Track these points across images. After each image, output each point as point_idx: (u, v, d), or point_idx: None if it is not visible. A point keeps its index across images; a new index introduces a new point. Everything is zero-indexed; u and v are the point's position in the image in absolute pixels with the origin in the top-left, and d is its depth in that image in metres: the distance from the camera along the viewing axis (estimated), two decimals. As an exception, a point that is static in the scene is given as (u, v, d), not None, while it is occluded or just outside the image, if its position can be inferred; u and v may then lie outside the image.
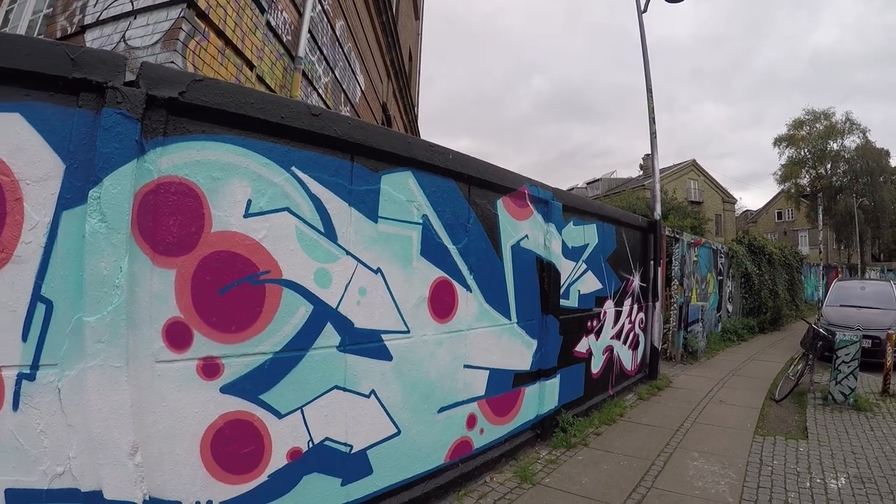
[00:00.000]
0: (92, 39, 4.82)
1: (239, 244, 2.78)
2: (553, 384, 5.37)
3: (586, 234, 6.18)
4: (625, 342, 7.36)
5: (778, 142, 40.57)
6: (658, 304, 8.32)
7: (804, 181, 41.23)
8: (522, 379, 4.99)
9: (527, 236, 4.99)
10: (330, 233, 3.22)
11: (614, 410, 6.39)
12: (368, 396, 3.41)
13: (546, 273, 5.21)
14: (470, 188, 4.35)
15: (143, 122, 2.38)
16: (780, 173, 41.23)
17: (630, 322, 7.55)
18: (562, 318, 5.49)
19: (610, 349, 6.84)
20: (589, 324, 6.22)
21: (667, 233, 9.39)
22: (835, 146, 39.21)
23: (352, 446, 3.30)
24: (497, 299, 4.59)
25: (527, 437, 5.09)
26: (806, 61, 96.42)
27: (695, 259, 11.02)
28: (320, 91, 7.65)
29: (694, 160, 41.86)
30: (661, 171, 40.07)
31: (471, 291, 4.31)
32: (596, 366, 6.45)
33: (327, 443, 3.16)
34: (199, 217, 2.65)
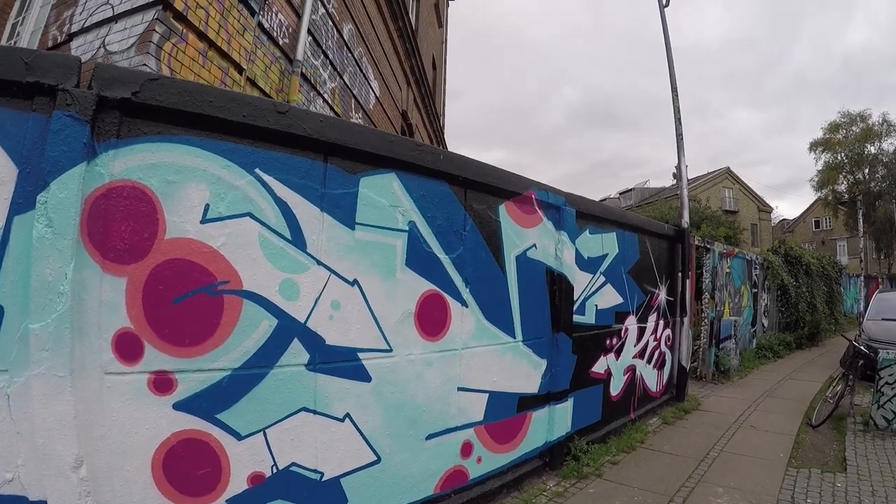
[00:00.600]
0: (77, 46, 4.67)
1: (195, 252, 2.57)
2: (565, 408, 4.86)
3: (605, 244, 5.67)
4: (649, 361, 6.78)
5: (814, 146, 38.90)
6: (686, 320, 7.71)
7: (842, 187, 39.40)
8: (529, 402, 4.50)
9: (535, 245, 4.53)
10: (298, 240, 2.91)
11: (634, 436, 5.82)
12: (342, 420, 3.09)
13: (557, 286, 4.73)
14: (466, 192, 3.93)
15: (94, 125, 2.28)
16: (816, 179, 39.49)
17: (655, 339, 6.97)
18: (575, 336, 4.99)
19: (632, 369, 6.28)
20: (608, 342, 5.69)
21: (696, 242, 8.78)
22: (872, 149, 37.36)
23: (322, 473, 3.00)
24: (498, 315, 4.14)
25: (533, 465, 4.60)
26: (837, 63, 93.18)
27: (727, 270, 10.33)
28: (326, 96, 7.36)
29: (728, 167, 40.51)
30: (694, 179, 39.23)
31: (466, 306, 3.87)
32: (616, 388, 5.91)
33: (294, 468, 2.88)
34: (153, 222, 2.48)
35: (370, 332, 3.27)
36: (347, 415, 3.11)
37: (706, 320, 9.16)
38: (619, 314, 5.93)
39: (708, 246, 9.08)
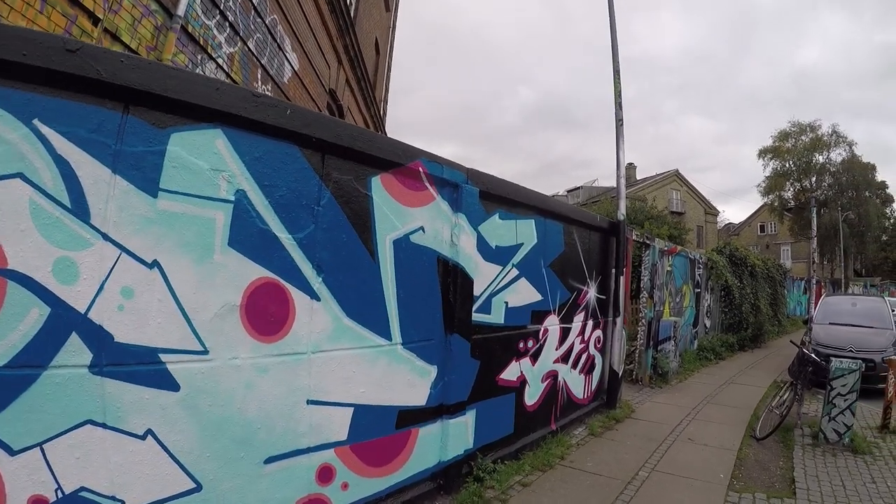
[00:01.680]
0: None
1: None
2: (463, 423, 4.12)
3: (520, 232, 4.97)
4: (575, 366, 6.13)
5: (763, 153, 39.97)
6: (620, 320, 7.11)
7: (788, 194, 40.60)
8: (414, 417, 3.74)
9: (422, 229, 3.76)
10: (80, 209, 2.26)
11: (554, 451, 5.14)
12: (144, 438, 2.41)
13: (452, 279, 3.98)
14: (325, 158, 3.13)
15: None
16: (764, 185, 40.58)
17: (583, 342, 6.33)
18: (477, 338, 4.27)
19: (553, 375, 5.61)
20: (521, 344, 4.99)
21: (635, 237, 8.24)
22: (821, 159, 38.66)
23: (123, 502, 2.37)
24: (367, 312, 3.35)
25: (423, 489, 3.86)
26: (789, 79, 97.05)
27: (668, 269, 9.88)
28: (220, 61, 6.42)
29: (677, 170, 41.06)
30: (643, 180, 39.55)
31: (318, 300, 3.06)
32: (532, 396, 5.21)
33: (84, 494, 2.28)
34: None
35: (177, 329, 2.52)
36: (150, 431, 2.43)
37: (644, 321, 8.65)
38: (537, 313, 5.24)
39: (647, 242, 8.56)
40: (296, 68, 8.92)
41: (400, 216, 3.58)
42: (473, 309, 4.22)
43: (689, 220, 37.34)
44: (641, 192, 31.64)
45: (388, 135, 17.10)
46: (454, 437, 4.03)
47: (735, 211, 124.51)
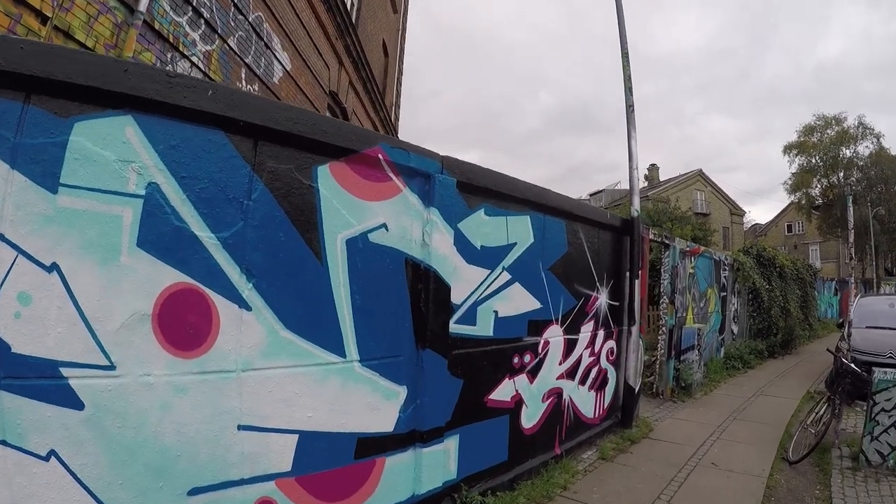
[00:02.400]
0: None
1: None
2: (441, 450, 3.56)
3: (512, 230, 4.41)
4: (583, 382, 5.51)
5: (788, 149, 38.48)
6: (636, 329, 6.45)
7: (815, 191, 38.98)
8: (379, 445, 3.20)
9: (384, 226, 3.24)
10: None
11: (556, 479, 4.52)
12: (47, 459, 2.11)
13: (424, 285, 3.44)
14: (258, 145, 2.64)
15: None
16: (790, 182, 39.00)
17: (593, 354, 5.71)
18: (458, 354, 3.72)
19: (556, 393, 5.00)
20: (515, 360, 4.41)
21: (652, 237, 7.57)
22: (848, 153, 37.02)
23: None
24: (313, 323, 2.83)
25: (397, 531, 3.29)
26: (811, 73, 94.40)
27: (691, 271, 9.17)
28: (195, 59, 6.05)
29: (700, 170, 39.85)
30: (666, 181, 38.48)
31: (249, 309, 2.56)
32: (530, 418, 4.62)
33: None
34: None
35: (79, 340, 2.17)
36: (53, 452, 2.13)
37: (664, 328, 7.96)
38: (536, 323, 4.66)
39: (667, 242, 7.89)
40: (288, 68, 8.53)
41: (355, 211, 3.06)
42: (453, 320, 3.67)
43: (714, 222, 36.19)
44: (665, 194, 30.65)
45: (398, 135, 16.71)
46: (430, 466, 3.47)
47: (761, 211, 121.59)
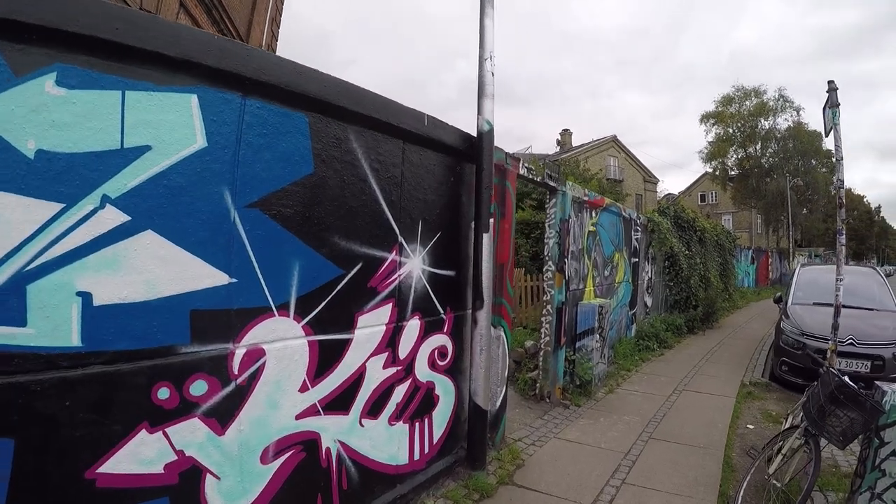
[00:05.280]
0: None
1: None
2: None
3: (140, 121, 1.83)
4: (376, 412, 3.04)
5: (705, 118, 38.05)
6: (485, 314, 3.96)
7: (731, 161, 39.04)
8: None
9: None
10: None
11: None
12: None
13: None
14: None
15: None
16: (706, 151, 38.76)
17: (398, 363, 3.24)
18: None
19: (303, 441, 2.52)
20: (161, 393, 1.89)
21: (525, 172, 5.07)
22: (766, 125, 37.11)
23: None
24: None
25: None
26: (726, 58, 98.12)
27: (591, 229, 6.96)
28: None
29: (614, 136, 38.68)
30: (579, 146, 36.86)
31: None
32: (234, 496, 2.08)
33: None
34: None
35: None
36: None
37: (549, 307, 5.66)
38: (217, 316, 2.16)
39: (552, 184, 5.52)
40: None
41: None
42: None
43: (628, 188, 35.32)
44: (576, 159, 29.00)
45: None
46: None
47: (674, 184, 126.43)
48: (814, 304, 7.18)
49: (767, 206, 36.99)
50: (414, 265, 3.37)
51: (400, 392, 3.30)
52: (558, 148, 36.50)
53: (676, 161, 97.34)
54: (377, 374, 3.07)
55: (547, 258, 5.68)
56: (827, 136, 5.51)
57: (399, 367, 3.26)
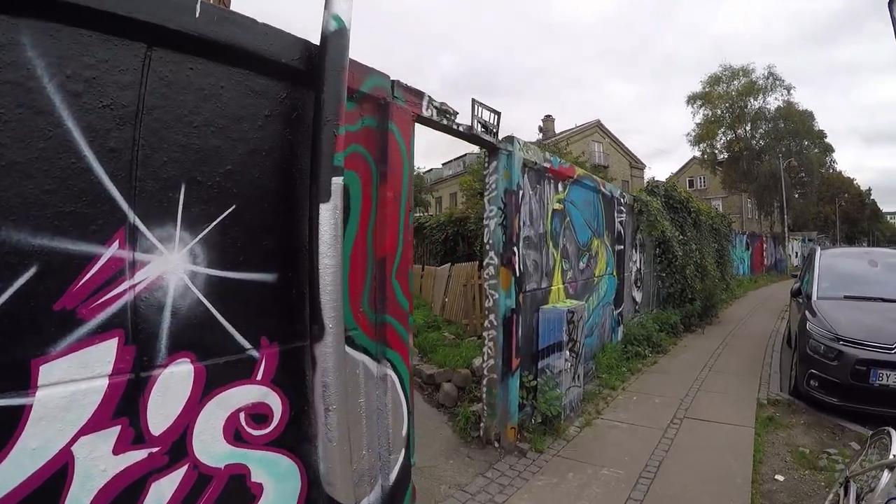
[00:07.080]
0: None
1: None
2: None
3: None
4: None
5: (692, 100, 36.42)
6: (328, 347, 2.13)
7: (720, 143, 37.51)
8: None
9: None
10: None
11: None
12: None
13: None
14: None
15: None
16: (694, 134, 37.17)
17: (150, 441, 1.59)
18: None
19: None
20: None
21: (431, 114, 3.41)
22: (756, 104, 35.58)
23: None
24: None
25: None
26: (710, 46, 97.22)
27: (557, 207, 5.31)
28: None
29: (599, 121, 37.01)
30: (563, 132, 35.17)
31: None
32: None
33: None
34: None
35: None
36: None
37: (493, 317, 3.99)
38: None
39: (487, 139, 3.84)
40: None
41: None
42: None
43: (614, 174, 33.76)
44: (560, 145, 27.50)
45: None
46: None
47: (661, 171, 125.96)
48: (844, 297, 5.56)
49: (760, 189, 35.53)
50: (170, 265, 1.70)
51: (165, 489, 1.65)
52: (540, 135, 34.79)
53: (663, 149, 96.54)
54: (103, 462, 1.43)
55: (487, 247, 4.01)
56: None
57: (155, 448, 1.60)
